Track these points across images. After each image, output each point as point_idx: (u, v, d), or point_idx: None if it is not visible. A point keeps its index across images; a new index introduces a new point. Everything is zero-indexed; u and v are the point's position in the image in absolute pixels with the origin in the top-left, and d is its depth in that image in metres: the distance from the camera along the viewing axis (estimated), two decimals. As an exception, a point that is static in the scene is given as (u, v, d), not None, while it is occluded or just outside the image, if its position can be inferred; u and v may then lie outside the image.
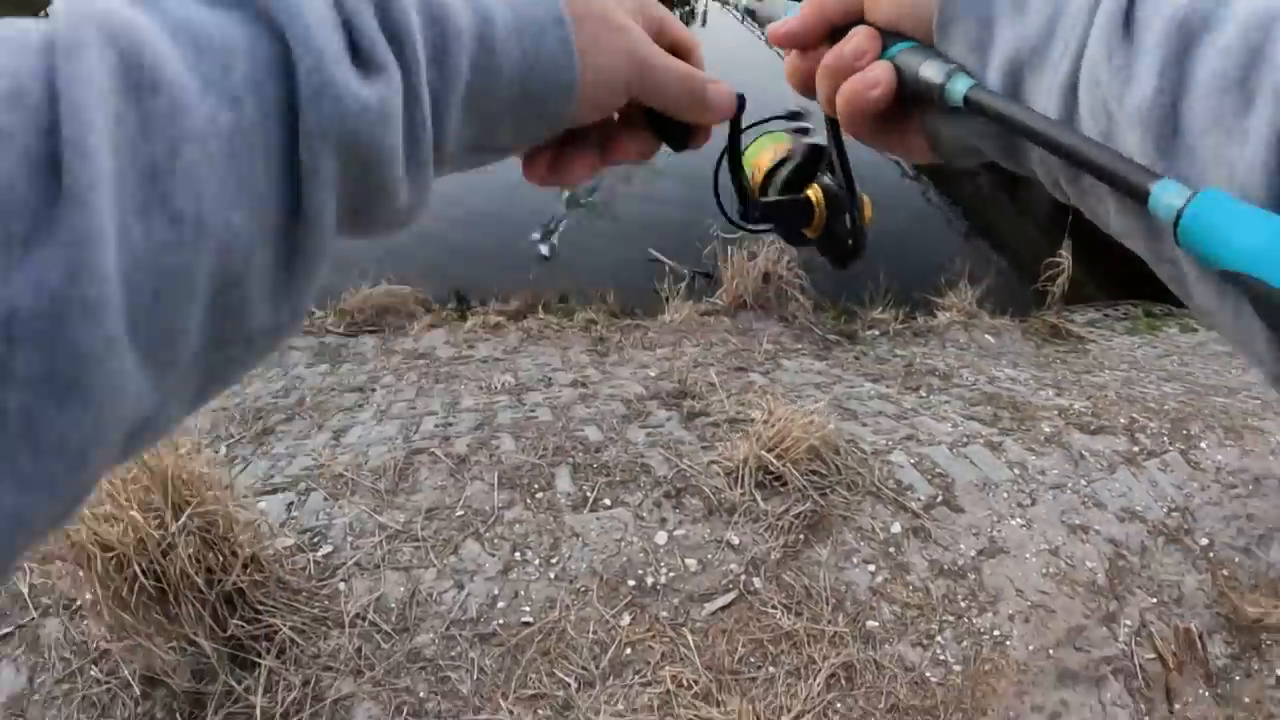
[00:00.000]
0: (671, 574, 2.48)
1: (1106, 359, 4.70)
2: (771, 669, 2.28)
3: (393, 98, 0.30)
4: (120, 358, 0.24)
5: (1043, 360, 4.45)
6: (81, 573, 1.94)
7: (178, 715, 2.05)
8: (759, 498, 2.65)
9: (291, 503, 2.72)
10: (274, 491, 2.76)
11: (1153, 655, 2.70)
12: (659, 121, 0.46)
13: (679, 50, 0.45)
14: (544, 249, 6.01)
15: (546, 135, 0.41)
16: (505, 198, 6.04)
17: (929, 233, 6.51)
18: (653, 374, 3.73)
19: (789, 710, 2.19)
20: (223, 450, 3.14)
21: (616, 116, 0.46)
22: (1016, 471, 2.98)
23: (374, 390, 3.65)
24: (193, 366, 0.28)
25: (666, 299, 4.75)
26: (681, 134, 0.47)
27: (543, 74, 0.37)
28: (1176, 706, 2.61)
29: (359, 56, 0.29)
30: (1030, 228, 6.02)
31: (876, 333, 4.59)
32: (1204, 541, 3.22)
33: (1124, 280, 6.90)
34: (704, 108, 0.45)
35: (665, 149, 0.49)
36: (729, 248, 4.70)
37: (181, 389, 0.28)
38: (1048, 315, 5.14)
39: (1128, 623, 2.73)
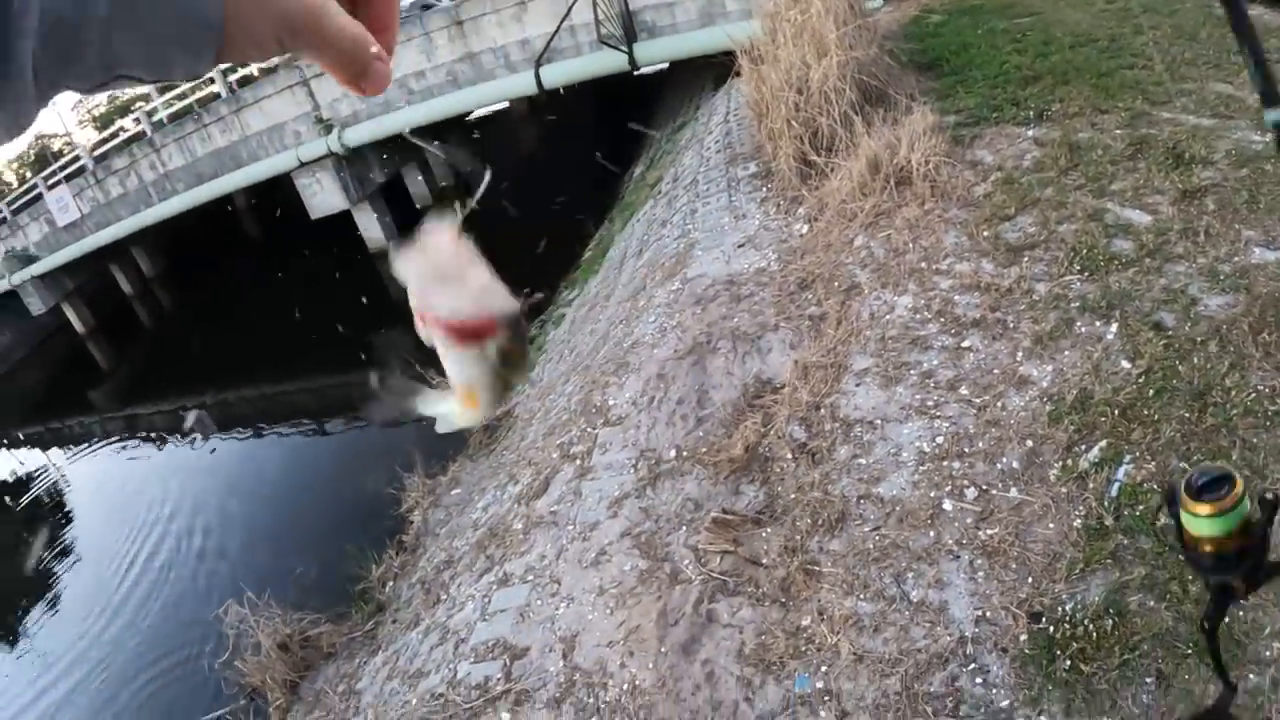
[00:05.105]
0: None
1: (546, 418, 5.22)
2: None
3: None
4: None
5: (497, 464, 4.84)
6: None
7: None
8: None
9: None
10: None
11: (717, 553, 3.10)
12: None
13: None
14: None
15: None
16: None
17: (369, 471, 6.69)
18: None
19: None
20: None
21: None
22: (531, 579, 3.23)
23: None
24: None
25: None
26: None
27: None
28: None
29: None
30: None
31: (390, 583, 4.60)
32: (671, 453, 3.78)
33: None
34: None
35: None
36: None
37: None
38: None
39: (686, 563, 3.10)
